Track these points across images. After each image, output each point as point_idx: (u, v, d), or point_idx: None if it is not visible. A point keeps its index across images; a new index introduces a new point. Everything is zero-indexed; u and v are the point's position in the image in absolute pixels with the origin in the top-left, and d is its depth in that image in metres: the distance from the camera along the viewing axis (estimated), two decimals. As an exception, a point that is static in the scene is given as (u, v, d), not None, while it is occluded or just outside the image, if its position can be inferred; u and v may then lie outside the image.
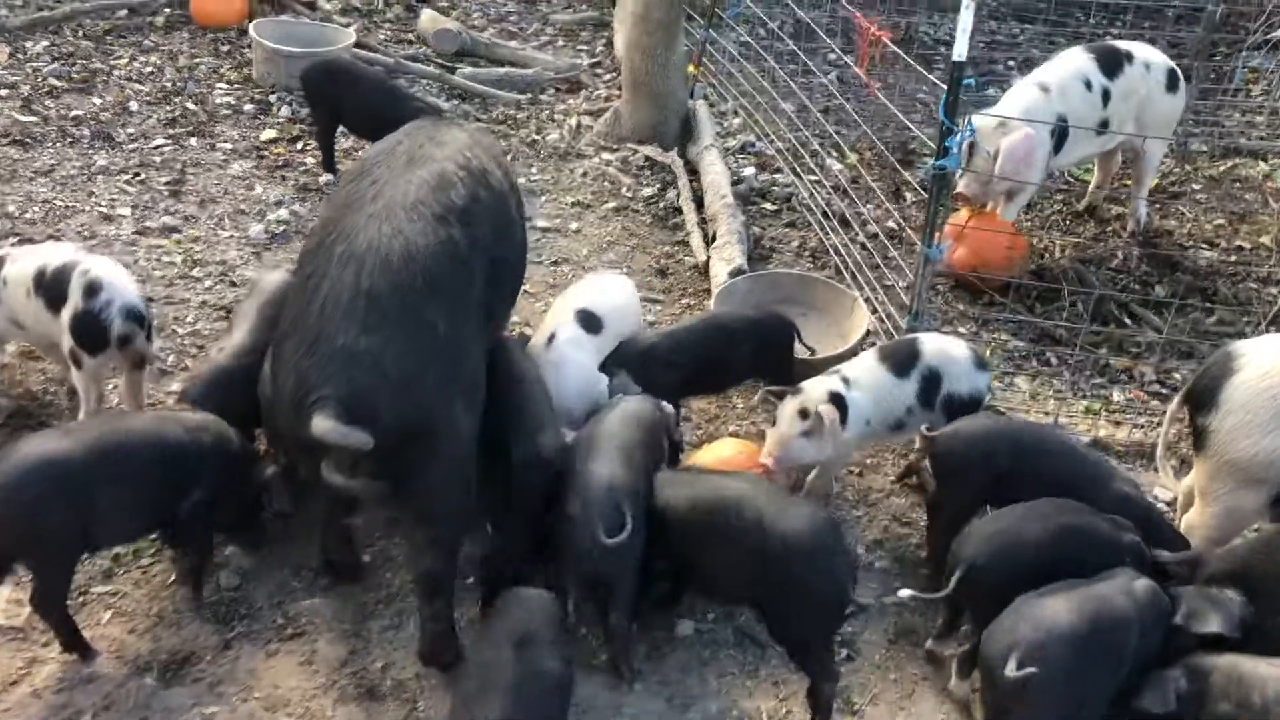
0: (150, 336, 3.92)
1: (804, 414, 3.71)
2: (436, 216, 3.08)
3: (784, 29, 5.88)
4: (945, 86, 4.09)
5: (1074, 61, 5.49)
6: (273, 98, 6.55)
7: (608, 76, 7.54)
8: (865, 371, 3.90)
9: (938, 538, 3.67)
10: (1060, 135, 5.27)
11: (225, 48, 7.10)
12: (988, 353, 5.04)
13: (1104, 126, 5.45)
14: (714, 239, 5.42)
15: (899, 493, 4.18)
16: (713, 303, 4.86)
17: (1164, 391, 4.82)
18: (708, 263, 5.29)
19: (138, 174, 5.63)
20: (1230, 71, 7.65)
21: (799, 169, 5.91)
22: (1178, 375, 4.82)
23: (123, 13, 7.38)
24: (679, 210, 5.84)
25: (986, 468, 3.63)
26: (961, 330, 5.26)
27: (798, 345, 4.40)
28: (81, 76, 6.48)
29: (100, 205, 5.33)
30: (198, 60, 6.94)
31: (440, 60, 7.51)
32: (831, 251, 5.41)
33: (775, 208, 6.03)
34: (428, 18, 7.93)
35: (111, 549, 3.55)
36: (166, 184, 5.57)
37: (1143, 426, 4.58)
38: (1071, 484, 3.54)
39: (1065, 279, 5.45)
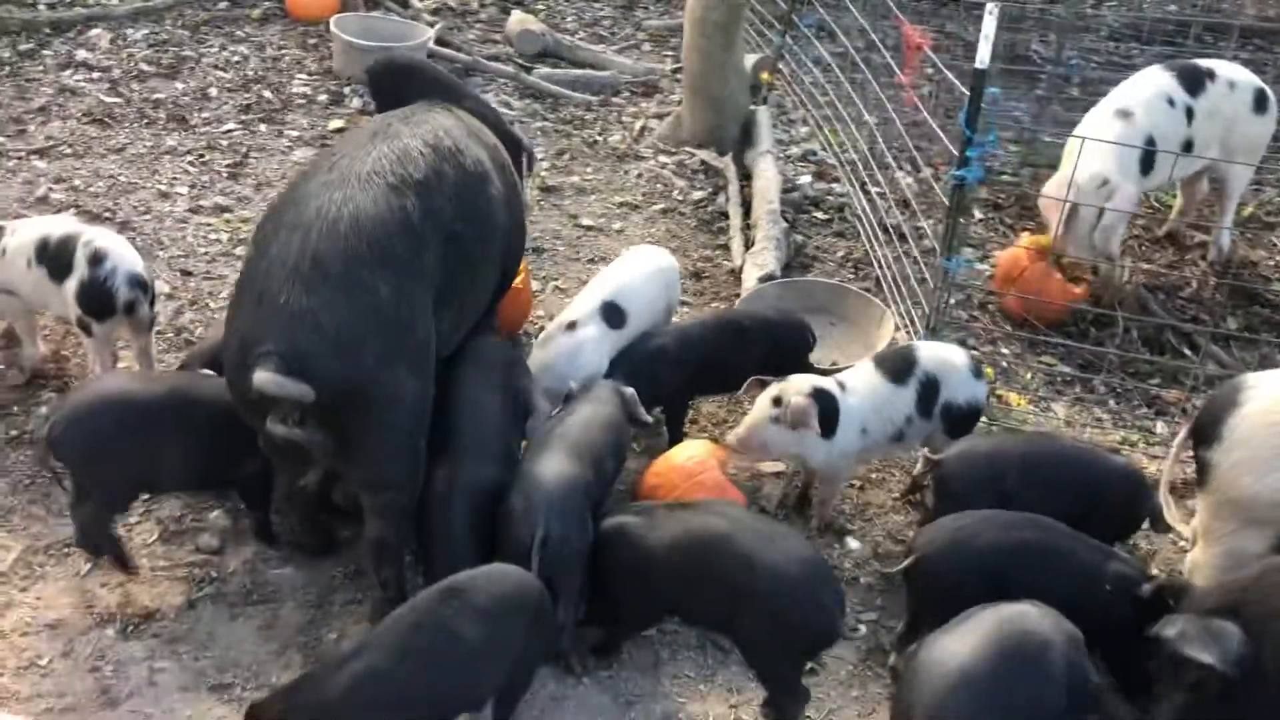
0: (153, 303, 4.05)
1: (777, 402, 3.62)
2: (390, 186, 3.14)
3: (883, 41, 5.75)
4: (967, 95, 3.95)
5: (1154, 81, 5.24)
6: (346, 89, 6.72)
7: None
8: (862, 378, 3.80)
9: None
10: (1149, 155, 5.02)
11: (313, 41, 7.31)
12: (1029, 376, 4.85)
13: (1188, 147, 5.16)
14: (752, 244, 5.34)
15: (898, 509, 4.04)
16: (737, 308, 4.79)
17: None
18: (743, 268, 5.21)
19: (202, 155, 5.84)
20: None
21: (862, 180, 5.78)
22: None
23: (223, 4, 7.68)
24: (726, 215, 5.77)
25: (994, 491, 3.49)
26: (1004, 351, 5.07)
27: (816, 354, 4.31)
28: (169, 63, 6.75)
29: (160, 183, 5.53)
30: (284, 51, 7.17)
31: (520, 60, 7.60)
32: (876, 263, 5.27)
33: (826, 217, 5.92)
34: (515, 19, 8.03)
35: (168, 493, 3.72)
36: (227, 166, 5.77)
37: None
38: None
39: (1124, 304, 5.20)
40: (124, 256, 3.96)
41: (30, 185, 5.38)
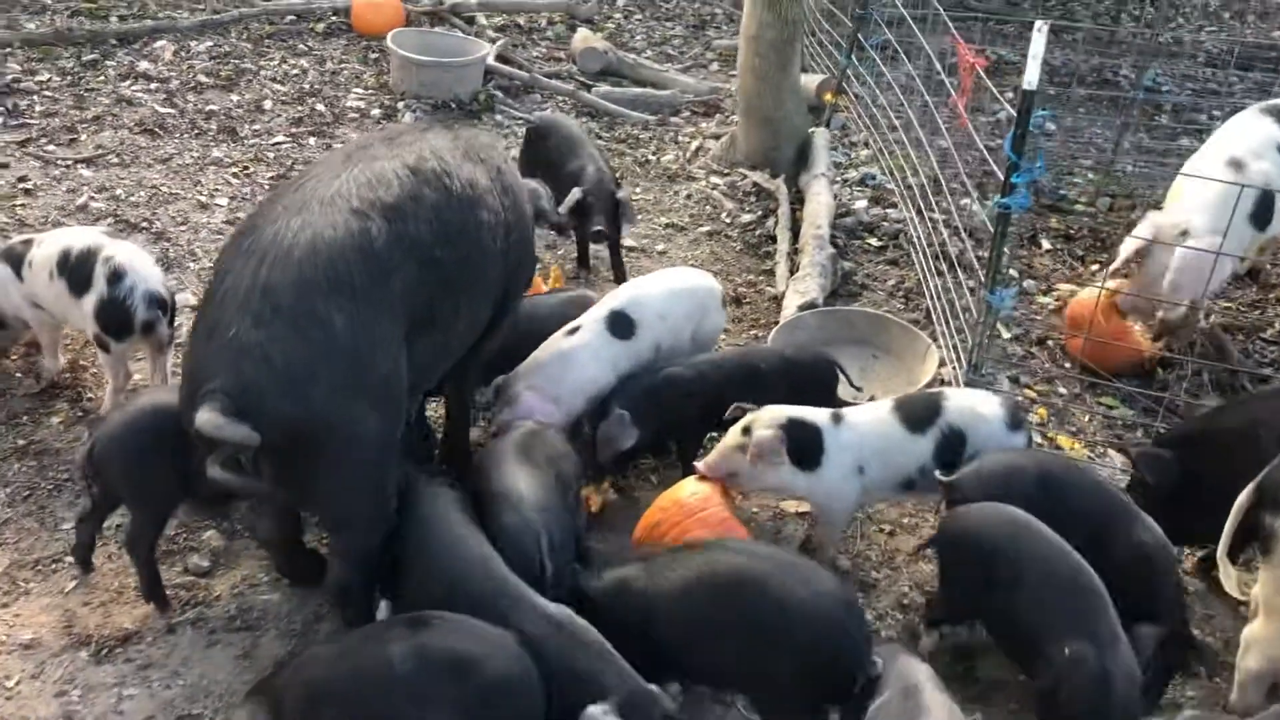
0: (173, 321, 3.97)
1: (747, 431, 3.44)
2: (354, 210, 2.92)
3: (946, 62, 5.48)
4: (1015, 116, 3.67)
5: (1258, 127, 4.83)
6: (400, 104, 6.66)
7: (748, 102, 7.31)
8: (869, 416, 3.53)
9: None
10: (1265, 206, 4.60)
11: (374, 55, 7.29)
12: (1085, 419, 4.53)
13: None
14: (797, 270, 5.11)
15: (927, 558, 3.75)
16: (772, 336, 4.56)
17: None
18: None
19: (247, 168, 5.81)
20: None
21: (919, 205, 5.50)
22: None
23: (290, 18, 7.71)
24: (774, 239, 5.54)
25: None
26: (1061, 390, 4.75)
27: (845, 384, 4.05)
28: (227, 75, 6.77)
29: (201, 194, 5.51)
30: (343, 65, 7.16)
31: (582, 78, 7.48)
32: (927, 294, 4.99)
33: (880, 243, 5.66)
34: (580, 37, 7.94)
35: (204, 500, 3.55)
36: (270, 179, 5.72)
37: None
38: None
39: (1197, 345, 4.84)
40: (143, 274, 3.89)
41: (73, 193, 5.39)
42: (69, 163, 5.65)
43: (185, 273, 4.86)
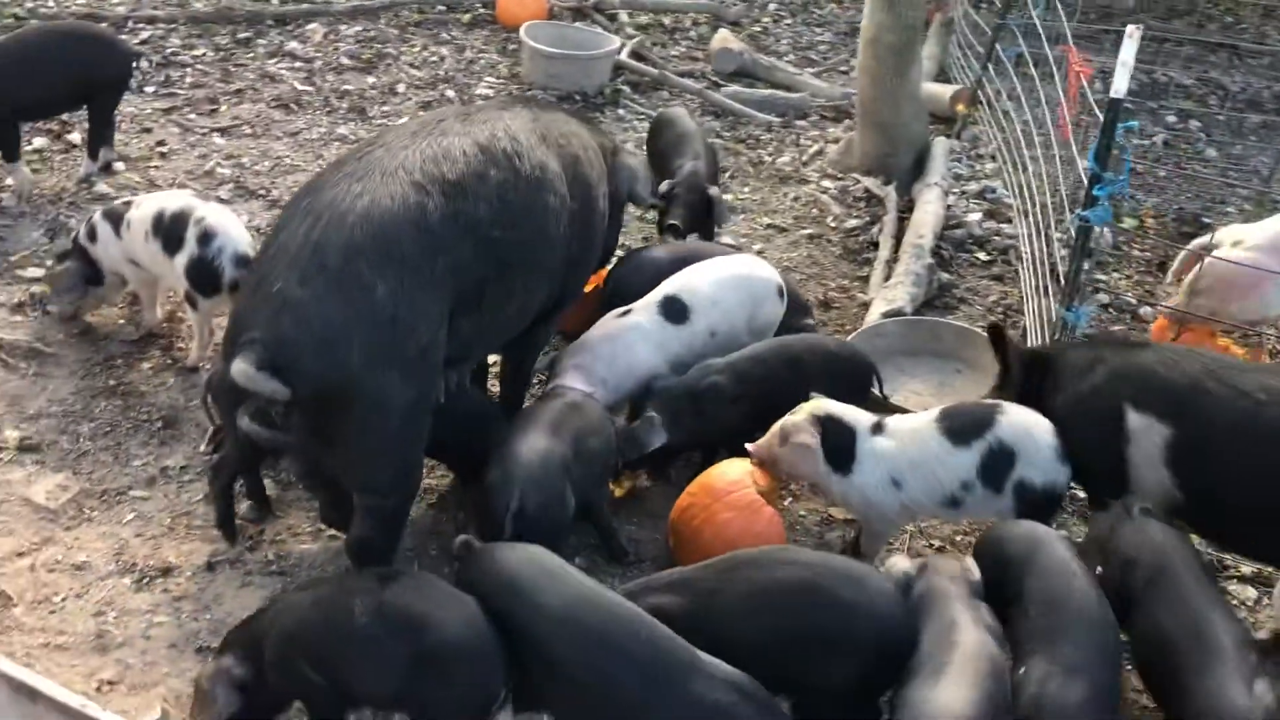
0: None
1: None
2: (414, 183, 2.99)
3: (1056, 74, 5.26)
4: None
5: None
6: (529, 94, 6.78)
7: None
8: (910, 425, 3.40)
9: None
10: None
11: (513, 46, 7.45)
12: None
13: None
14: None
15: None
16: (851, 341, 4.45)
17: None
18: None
19: (368, 145, 6.02)
20: None
21: (1035, 221, 5.27)
22: None
23: (440, 8, 7.95)
24: (877, 245, 5.41)
25: None
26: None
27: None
28: (368, 58, 7.03)
29: (319, 167, 5.73)
30: (481, 55, 7.34)
31: (714, 77, 7.47)
32: (1028, 313, 4.78)
33: (988, 258, 5.46)
34: (718, 37, 7.92)
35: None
36: (388, 157, 5.91)
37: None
38: None
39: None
40: (232, 236, 4.08)
41: (203, 159, 5.70)
42: (205, 130, 5.97)
43: (292, 239, 5.06)
